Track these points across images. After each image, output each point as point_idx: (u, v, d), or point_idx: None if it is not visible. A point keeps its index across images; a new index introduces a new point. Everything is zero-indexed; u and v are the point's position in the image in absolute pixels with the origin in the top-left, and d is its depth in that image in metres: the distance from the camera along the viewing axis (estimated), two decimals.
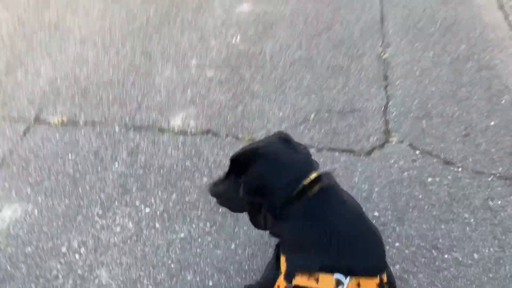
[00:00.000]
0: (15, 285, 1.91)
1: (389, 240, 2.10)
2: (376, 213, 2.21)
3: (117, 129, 2.64)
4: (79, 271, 1.97)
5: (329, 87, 2.92)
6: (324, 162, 2.44)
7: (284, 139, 1.48)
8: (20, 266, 1.98)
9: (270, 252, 2.01)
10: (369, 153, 2.50)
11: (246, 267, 1.99)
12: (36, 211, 2.21)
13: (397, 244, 2.09)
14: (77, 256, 2.03)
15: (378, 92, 2.86)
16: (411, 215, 2.20)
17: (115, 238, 2.10)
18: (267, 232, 1.53)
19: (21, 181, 2.36)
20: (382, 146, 2.53)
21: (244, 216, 2.16)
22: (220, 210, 2.20)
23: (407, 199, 2.27)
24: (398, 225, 2.17)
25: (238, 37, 3.38)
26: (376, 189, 2.32)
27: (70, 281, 1.93)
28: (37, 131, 2.64)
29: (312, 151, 2.48)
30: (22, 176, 2.38)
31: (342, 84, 2.94)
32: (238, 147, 2.61)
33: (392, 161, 2.45)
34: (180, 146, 2.54)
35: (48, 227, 2.14)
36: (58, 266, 1.98)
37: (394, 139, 2.57)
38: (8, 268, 1.98)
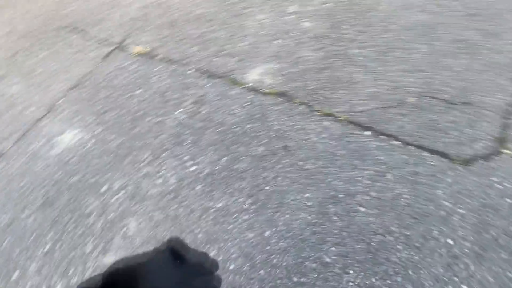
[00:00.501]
0: (53, 212, 1.96)
1: (455, 278, 1.67)
2: (449, 241, 1.77)
3: (191, 72, 2.48)
4: (111, 215, 1.94)
5: (444, 67, 2.36)
6: (407, 161, 2.01)
7: (177, 253, 0.89)
8: (62, 194, 2.02)
9: (306, 253, 1.75)
10: (467, 162, 1.99)
11: (275, 261, 1.76)
12: (91, 142, 2.21)
13: (464, 286, 1.67)
14: (114, 198, 1.99)
15: (506, 85, 2.22)
16: (496, 256, 1.72)
17: (154, 190, 2.01)
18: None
19: (88, 106, 2.36)
20: (487, 157, 1.99)
21: (290, 202, 1.91)
22: (267, 188, 1.97)
23: (497, 234, 1.77)
24: (475, 263, 1.71)
25: None
26: (461, 211, 1.85)
27: (100, 223, 1.91)
28: (117, 58, 2.61)
29: (396, 143, 2.07)
30: (90, 102, 2.39)
31: (463, 66, 2.34)
32: (309, 120, 2.31)
33: (495, 179, 1.91)
34: (247, 104, 2.29)
35: (97, 161, 2.13)
36: (95, 204, 1.98)
37: (507, 152, 1.99)
38: (51, 193, 2.03)
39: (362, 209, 1.88)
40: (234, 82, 2.40)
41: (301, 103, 2.27)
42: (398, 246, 1.76)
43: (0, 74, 2.66)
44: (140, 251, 1.77)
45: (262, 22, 2.71)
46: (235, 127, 2.20)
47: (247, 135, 2.16)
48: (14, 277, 1.76)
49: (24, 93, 2.50)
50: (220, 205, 1.93)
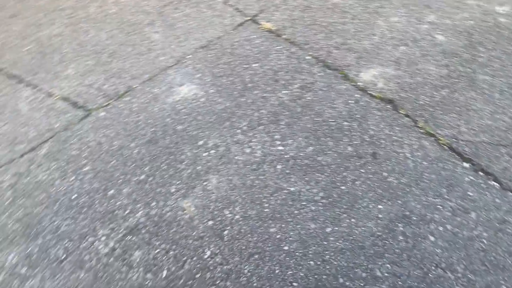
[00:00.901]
0: (154, 150, 2.24)
1: None
2: None
3: (308, 57, 2.55)
4: (199, 167, 2.15)
5: None
6: (499, 206, 1.86)
7: None
8: (166, 137, 2.29)
9: (360, 260, 1.77)
10: None
11: (327, 257, 1.81)
12: (202, 99, 2.44)
13: None
14: (205, 154, 2.20)
15: None
16: None
17: (240, 157, 2.17)
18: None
19: (209, 67, 2.59)
20: None
21: (361, 209, 1.92)
22: (342, 187, 2.00)
23: None
24: None
25: (507, 7, 2.63)
26: None
27: (188, 172, 2.14)
28: (246, 30, 2.79)
29: (494, 184, 1.93)
30: (212, 64, 2.61)
31: None
32: (409, 134, 2.25)
33: None
34: (351, 102, 2.30)
35: (201, 117, 2.35)
36: (188, 154, 2.21)
37: None
38: (158, 134, 2.30)
39: (432, 238, 1.81)
40: (346, 78, 2.42)
41: (405, 115, 2.22)
42: (457, 287, 1.69)
43: (148, 20, 3.02)
44: (213, 206, 1.96)
45: (393, 24, 2.65)
46: (332, 121, 2.24)
47: (341, 131, 2.19)
48: (109, 193, 2.08)
49: (162, 42, 2.83)
50: (293, 189, 2.02)
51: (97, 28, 2.97)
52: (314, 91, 2.38)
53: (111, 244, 1.90)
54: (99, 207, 2.04)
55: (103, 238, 1.93)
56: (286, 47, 2.63)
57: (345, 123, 2.22)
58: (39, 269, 1.86)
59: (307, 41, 2.64)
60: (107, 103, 2.48)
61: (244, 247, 1.87)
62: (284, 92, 2.40)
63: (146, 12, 3.08)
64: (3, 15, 3.24)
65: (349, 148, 2.13)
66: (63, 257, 1.89)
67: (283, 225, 1.92)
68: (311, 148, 2.16)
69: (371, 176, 2.03)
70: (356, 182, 2.01)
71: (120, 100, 2.49)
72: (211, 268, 1.81)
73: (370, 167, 2.06)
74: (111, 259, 1.86)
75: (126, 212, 2.01)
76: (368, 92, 2.34)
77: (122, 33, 2.91)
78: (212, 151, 2.21)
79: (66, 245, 1.92)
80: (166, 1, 3.17)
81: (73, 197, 2.08)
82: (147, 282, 1.78)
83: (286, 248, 1.86)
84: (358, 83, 2.38)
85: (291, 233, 1.89)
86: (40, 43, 2.90)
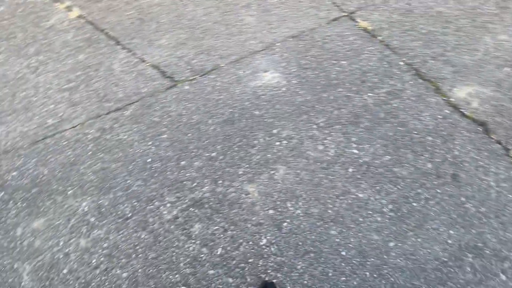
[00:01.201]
0: (229, 130, 2.26)
1: None
2: None
3: (401, 63, 2.43)
4: (269, 155, 2.14)
5: None
6: None
7: None
8: (242, 120, 2.30)
9: (419, 282, 1.67)
10: None
11: (384, 272, 1.73)
12: (284, 88, 2.42)
13: None
14: (277, 143, 2.19)
15: None
16: None
17: (312, 153, 2.13)
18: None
19: (296, 58, 2.56)
20: None
21: (430, 230, 1.82)
22: (414, 204, 1.89)
23: None
24: None
25: None
26: None
27: (258, 157, 2.14)
28: (341, 25, 2.71)
29: None
30: (299, 55, 2.57)
31: None
32: (497, 162, 2.08)
33: None
34: (438, 117, 2.17)
35: (279, 106, 2.34)
36: (261, 140, 2.21)
37: None
38: (235, 115, 2.32)
39: (503, 277, 1.68)
40: (438, 91, 2.27)
41: (497, 142, 2.05)
42: None
43: (245, 3, 3.04)
44: (276, 196, 1.96)
45: (501, 43, 2.44)
46: (415, 133, 2.12)
47: (423, 146, 2.07)
48: (181, 163, 2.15)
49: (254, 26, 2.84)
50: (361, 196, 1.96)
51: (195, 3, 3.05)
52: (402, 99, 2.27)
53: (175, 212, 1.97)
54: (170, 175, 2.11)
55: (168, 205, 2.00)
56: (380, 49, 2.53)
57: (429, 137, 2.10)
58: (106, 222, 1.97)
59: (403, 46, 2.52)
60: (193, 78, 2.55)
61: (300, 243, 1.85)
62: (370, 94, 2.32)
63: None
64: None
65: (429, 165, 2.01)
66: (129, 215, 1.99)
67: (344, 230, 1.87)
68: (388, 157, 2.07)
69: (447, 198, 1.91)
70: (430, 202, 1.90)
71: (205, 77, 2.55)
72: (265, 256, 1.82)
73: (448, 189, 1.93)
74: (172, 226, 1.93)
75: (194, 185, 2.06)
76: (460, 109, 2.19)
77: (218, 12, 2.97)
78: (285, 142, 2.20)
79: (134, 204, 2.02)
80: None
81: (148, 160, 2.18)
82: (201, 256, 1.83)
83: (343, 253, 1.81)
84: (451, 99, 2.24)
85: (352, 240, 1.84)
86: (140, 10, 3.04)
